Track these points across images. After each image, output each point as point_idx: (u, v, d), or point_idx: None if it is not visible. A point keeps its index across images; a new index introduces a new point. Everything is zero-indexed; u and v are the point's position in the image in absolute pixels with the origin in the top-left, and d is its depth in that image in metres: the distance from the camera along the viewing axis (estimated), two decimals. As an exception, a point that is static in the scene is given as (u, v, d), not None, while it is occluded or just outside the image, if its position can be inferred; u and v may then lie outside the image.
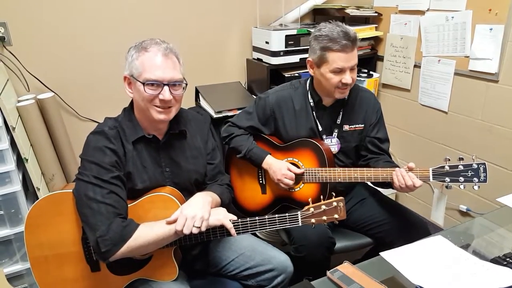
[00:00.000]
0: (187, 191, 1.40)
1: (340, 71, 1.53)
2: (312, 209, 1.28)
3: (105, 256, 1.18)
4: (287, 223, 1.29)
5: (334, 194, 1.28)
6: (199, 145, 1.46)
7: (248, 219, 1.30)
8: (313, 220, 1.28)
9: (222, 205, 1.42)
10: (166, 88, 1.24)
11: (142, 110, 1.29)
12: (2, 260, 1.78)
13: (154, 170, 1.34)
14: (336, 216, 1.27)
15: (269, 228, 1.31)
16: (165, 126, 1.36)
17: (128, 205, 1.28)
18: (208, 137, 1.51)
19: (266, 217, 1.30)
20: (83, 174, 1.23)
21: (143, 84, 1.23)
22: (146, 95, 1.23)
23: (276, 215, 1.29)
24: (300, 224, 1.29)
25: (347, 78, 1.52)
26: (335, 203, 1.27)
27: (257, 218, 1.30)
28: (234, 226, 1.28)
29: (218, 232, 1.31)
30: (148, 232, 1.20)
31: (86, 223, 1.20)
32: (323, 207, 1.27)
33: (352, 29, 1.52)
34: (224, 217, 1.26)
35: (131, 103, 1.36)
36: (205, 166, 1.47)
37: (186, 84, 1.31)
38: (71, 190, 1.27)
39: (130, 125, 1.31)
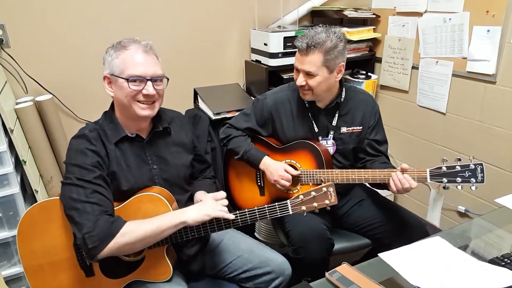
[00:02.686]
0: (178, 187, 1.41)
1: (297, 70, 1.56)
2: (301, 196, 1.27)
3: (92, 254, 1.17)
4: (277, 212, 1.28)
5: (323, 180, 1.27)
6: (185, 141, 1.47)
7: (237, 211, 1.29)
8: (303, 208, 1.27)
9: None
10: (149, 83, 1.26)
11: (125, 108, 1.29)
12: (0, 262, 1.78)
13: (139, 169, 1.34)
14: (326, 201, 1.26)
15: (260, 219, 1.30)
16: (147, 124, 1.38)
17: (116, 207, 1.27)
18: (192, 132, 1.54)
19: (256, 208, 1.29)
20: (67, 177, 1.23)
21: (127, 80, 1.24)
22: (130, 90, 1.24)
23: (266, 205, 1.29)
24: (290, 213, 1.28)
25: (298, 79, 1.56)
26: (324, 189, 1.26)
27: (246, 210, 1.29)
28: (225, 221, 1.28)
29: (214, 226, 1.31)
30: (136, 228, 1.20)
31: (74, 223, 1.19)
32: (313, 193, 1.26)
33: (324, 38, 1.47)
34: (213, 210, 1.24)
35: (112, 105, 1.37)
36: (192, 161, 1.50)
37: (168, 79, 1.33)
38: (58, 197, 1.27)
39: (112, 127, 1.32)
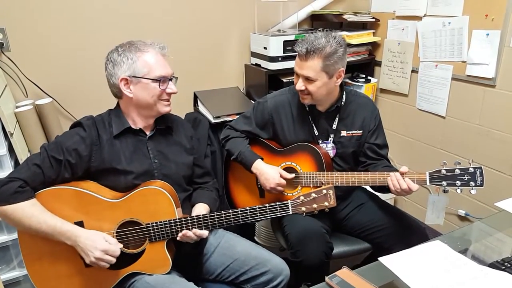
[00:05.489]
0: (177, 184, 1.44)
1: (297, 75, 1.56)
2: (302, 197, 1.32)
3: None
4: (277, 212, 1.34)
5: (324, 182, 1.30)
6: (184, 143, 1.52)
7: (239, 209, 1.33)
8: (303, 209, 1.32)
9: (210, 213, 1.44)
10: (170, 82, 1.38)
11: (146, 106, 1.36)
12: (-1, 266, 1.78)
13: (140, 161, 1.39)
14: (326, 203, 1.31)
15: (260, 218, 1.34)
16: (152, 121, 1.44)
17: (120, 199, 1.31)
18: (192, 136, 1.57)
19: (257, 206, 1.34)
20: (44, 145, 1.31)
21: (158, 81, 1.33)
22: (158, 90, 1.34)
23: (267, 204, 1.34)
24: (290, 213, 1.33)
25: (298, 84, 1.56)
26: (324, 191, 1.31)
27: (248, 208, 1.34)
28: (225, 217, 1.33)
29: (215, 222, 1.34)
30: (29, 215, 1.20)
31: None
32: (313, 195, 1.31)
33: (323, 43, 1.47)
34: (100, 253, 1.23)
35: (117, 105, 1.44)
36: (191, 162, 1.53)
37: (176, 78, 1.43)
38: (63, 187, 1.30)
39: (117, 120, 1.39)
